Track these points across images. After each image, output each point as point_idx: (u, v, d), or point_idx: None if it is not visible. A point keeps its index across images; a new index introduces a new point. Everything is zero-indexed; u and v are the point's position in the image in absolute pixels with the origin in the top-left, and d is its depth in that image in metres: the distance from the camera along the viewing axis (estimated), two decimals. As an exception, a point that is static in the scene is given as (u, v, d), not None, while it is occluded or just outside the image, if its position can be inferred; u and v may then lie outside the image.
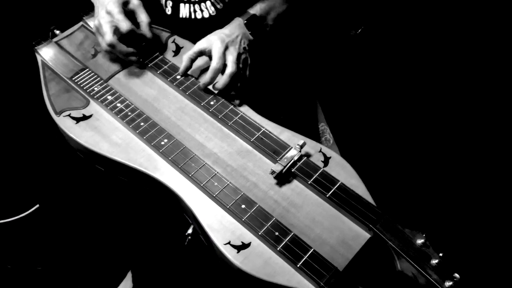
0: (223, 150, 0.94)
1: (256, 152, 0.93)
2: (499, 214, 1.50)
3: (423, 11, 1.73)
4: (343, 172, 0.89)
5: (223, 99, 1.00)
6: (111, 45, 1.01)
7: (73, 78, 1.05)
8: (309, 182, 0.87)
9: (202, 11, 1.12)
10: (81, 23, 1.18)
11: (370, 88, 1.79)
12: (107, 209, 1.16)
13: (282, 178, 0.89)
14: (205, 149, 0.94)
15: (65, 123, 0.97)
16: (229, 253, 0.79)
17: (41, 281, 1.45)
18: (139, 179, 0.94)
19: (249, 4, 1.07)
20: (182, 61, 1.03)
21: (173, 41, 1.13)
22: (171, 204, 0.94)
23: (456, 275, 0.73)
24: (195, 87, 1.02)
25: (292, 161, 0.88)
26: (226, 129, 0.97)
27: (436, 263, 0.74)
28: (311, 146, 0.93)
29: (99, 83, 1.04)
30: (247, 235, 0.82)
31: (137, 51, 1.06)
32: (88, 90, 1.02)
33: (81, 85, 1.03)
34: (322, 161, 0.91)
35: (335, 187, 0.85)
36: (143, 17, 1.04)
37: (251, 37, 1.04)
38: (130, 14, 1.04)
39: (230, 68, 0.98)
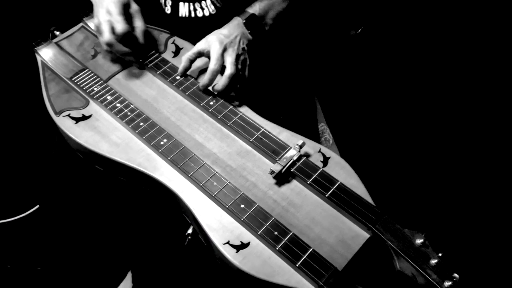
0: (222, 150, 0.94)
1: (256, 152, 0.93)
2: (499, 214, 1.50)
3: (423, 11, 1.73)
4: (343, 172, 0.89)
5: (222, 100, 1.00)
6: (109, 44, 1.01)
7: (73, 79, 1.05)
8: (308, 182, 0.87)
9: (202, 9, 1.12)
10: (81, 24, 1.18)
11: (370, 88, 1.79)
12: (106, 209, 1.16)
13: (281, 178, 0.89)
14: (204, 149, 0.94)
15: (64, 123, 0.98)
16: (228, 253, 0.79)
17: (41, 281, 1.45)
18: (138, 179, 0.94)
19: (248, 3, 1.07)
20: (181, 62, 1.03)
21: (173, 42, 1.13)
22: (170, 204, 0.94)
23: (455, 275, 0.73)
24: (194, 87, 1.02)
25: (292, 161, 0.88)
26: (225, 129, 0.97)
27: (436, 263, 0.74)
28: (311, 146, 0.93)
29: (99, 83, 1.04)
30: (246, 235, 0.82)
31: (135, 52, 1.06)
32: (87, 91, 1.03)
33: (81, 86, 1.04)
34: (321, 161, 0.91)
35: (334, 187, 0.85)
36: (138, 23, 1.06)
37: (250, 37, 1.04)
38: (130, 18, 1.05)
39: (229, 70, 0.98)
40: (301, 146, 0.90)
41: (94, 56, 1.11)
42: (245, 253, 0.80)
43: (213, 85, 1.00)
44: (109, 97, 1.01)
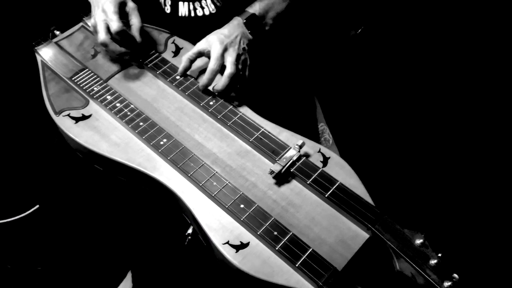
0: (222, 150, 0.94)
1: (255, 152, 0.93)
2: (499, 214, 1.50)
3: (423, 11, 1.73)
4: (342, 172, 0.89)
5: (222, 99, 1.00)
6: (104, 44, 1.01)
7: (73, 78, 1.05)
8: (308, 182, 0.87)
9: (202, 8, 1.12)
10: (81, 23, 1.18)
11: (370, 88, 1.79)
12: (106, 209, 1.16)
13: (281, 178, 0.89)
14: (204, 149, 0.94)
15: (64, 123, 0.98)
16: (228, 253, 0.79)
17: (41, 281, 1.45)
18: (138, 178, 0.94)
19: (249, 2, 1.07)
20: (181, 62, 1.03)
21: (173, 42, 1.13)
22: (170, 204, 0.94)
23: (455, 275, 0.73)
24: (194, 87, 1.02)
25: (291, 161, 0.88)
26: (225, 129, 0.97)
27: (435, 263, 0.74)
28: (310, 146, 0.93)
29: (99, 83, 1.04)
30: (245, 235, 0.82)
31: (132, 52, 1.06)
32: (87, 90, 1.03)
33: (81, 85, 1.04)
34: (321, 161, 0.91)
35: (334, 187, 0.85)
36: (135, 21, 1.05)
37: (250, 37, 1.04)
38: (127, 16, 1.05)
39: (229, 69, 0.98)
40: (300, 146, 0.90)
41: (94, 56, 1.11)
42: (245, 253, 0.80)
43: (213, 85, 1.00)
44: (109, 97, 1.01)
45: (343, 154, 1.06)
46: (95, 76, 1.06)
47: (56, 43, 1.14)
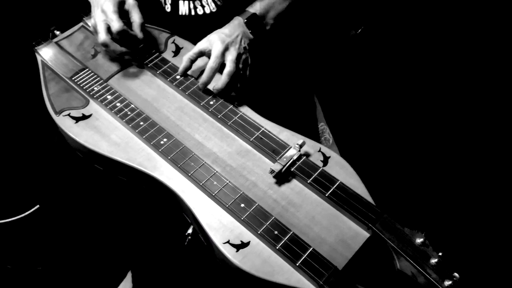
0: (222, 149, 0.94)
1: (256, 152, 0.93)
2: (499, 213, 1.50)
3: (423, 11, 1.73)
4: (343, 172, 0.89)
5: (222, 99, 1.00)
6: (104, 44, 1.01)
7: (73, 78, 1.05)
8: (308, 182, 0.87)
9: (203, 7, 1.12)
10: (81, 23, 1.18)
11: (370, 88, 1.79)
12: (106, 209, 1.16)
13: (282, 178, 0.89)
14: (204, 149, 0.94)
15: (64, 123, 0.98)
16: (228, 252, 0.79)
17: (41, 281, 1.45)
18: (138, 178, 0.94)
19: (249, 1, 1.07)
20: (182, 62, 1.03)
21: (173, 42, 1.13)
22: (170, 203, 0.94)
23: (456, 274, 0.73)
24: (194, 87, 1.02)
25: (292, 160, 0.88)
26: (225, 129, 0.97)
27: (436, 262, 0.74)
28: (311, 146, 0.93)
29: (99, 83, 1.04)
30: (246, 234, 0.82)
31: (133, 51, 1.06)
32: (87, 90, 1.02)
33: (81, 85, 1.04)
34: (321, 160, 0.91)
35: (334, 186, 0.85)
36: (135, 18, 1.04)
37: (251, 36, 1.04)
38: (127, 14, 1.05)
39: (229, 67, 0.98)
40: (301, 146, 0.90)
41: (94, 56, 1.11)
42: (245, 252, 0.79)
43: (213, 85, 1.00)
44: (109, 97, 1.01)
45: (343, 154, 1.06)
46: (95, 76, 1.06)
47: (56, 43, 1.14)
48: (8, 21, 1.50)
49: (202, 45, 1.01)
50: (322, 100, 1.30)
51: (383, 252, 0.80)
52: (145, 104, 1.02)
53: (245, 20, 1.04)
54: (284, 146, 0.91)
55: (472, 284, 0.76)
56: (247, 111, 0.99)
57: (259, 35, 1.06)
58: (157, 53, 1.09)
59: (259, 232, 0.80)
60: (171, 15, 1.15)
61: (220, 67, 1.00)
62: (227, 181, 0.87)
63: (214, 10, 1.12)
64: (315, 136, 1.19)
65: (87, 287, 1.45)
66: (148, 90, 1.05)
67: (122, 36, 1.02)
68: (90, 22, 1.15)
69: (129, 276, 1.40)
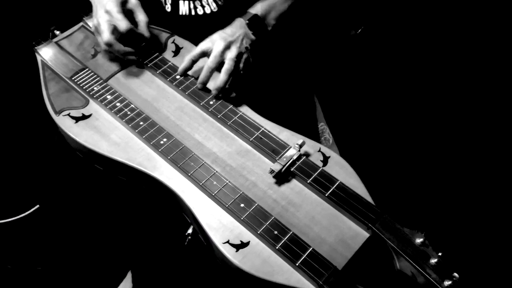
0: (222, 149, 0.94)
1: (255, 152, 0.93)
2: (499, 213, 1.50)
3: (423, 11, 1.73)
4: (342, 172, 0.89)
5: (222, 99, 1.00)
6: (108, 44, 1.01)
7: (73, 78, 1.05)
8: (308, 181, 0.87)
9: (203, 7, 1.12)
10: (81, 23, 1.18)
11: (370, 88, 1.79)
12: (106, 209, 1.16)
13: (281, 177, 0.89)
14: (204, 149, 0.94)
15: (64, 123, 0.98)
16: (228, 252, 0.79)
17: (41, 281, 1.45)
18: (138, 178, 0.94)
19: (251, 1, 1.07)
20: (182, 61, 1.03)
21: (173, 42, 1.13)
22: (170, 203, 0.94)
23: (455, 274, 0.73)
24: (194, 86, 1.02)
25: (291, 160, 0.88)
26: (225, 129, 0.97)
27: (435, 262, 0.74)
28: (310, 146, 0.93)
29: (99, 82, 1.04)
30: (246, 234, 0.82)
31: (136, 51, 1.06)
32: (87, 90, 1.02)
33: (81, 85, 1.04)
34: (321, 160, 0.91)
35: (334, 186, 0.85)
36: (141, 17, 1.04)
37: (253, 37, 1.04)
38: (128, 14, 1.04)
39: (227, 65, 0.98)
40: (301, 146, 0.90)
41: (94, 56, 1.11)
42: (245, 252, 0.79)
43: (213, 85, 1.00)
44: (109, 97, 1.01)
45: (343, 154, 1.06)
46: (95, 75, 1.06)
47: (56, 42, 1.14)
48: (8, 21, 1.50)
49: (204, 45, 1.01)
50: (322, 100, 1.30)
51: (383, 252, 0.80)
52: (145, 104, 1.02)
53: (247, 21, 1.04)
54: (284, 146, 0.91)
55: (472, 284, 0.76)
56: (247, 111, 0.99)
57: (261, 35, 1.06)
58: (157, 53, 1.09)
59: (258, 232, 0.80)
60: (171, 15, 1.15)
61: (218, 65, 1.00)
62: (227, 181, 0.87)
63: (215, 10, 1.12)
64: (315, 136, 1.19)
65: (87, 287, 1.45)
66: (148, 90, 1.05)
67: (128, 36, 1.02)
68: (90, 22, 1.16)
69: (129, 276, 1.40)
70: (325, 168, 0.89)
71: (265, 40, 1.08)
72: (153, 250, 1.23)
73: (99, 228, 1.28)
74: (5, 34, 1.50)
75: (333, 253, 0.79)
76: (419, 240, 0.76)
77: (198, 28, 1.09)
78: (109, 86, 1.03)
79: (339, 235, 0.82)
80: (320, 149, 0.93)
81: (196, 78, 1.04)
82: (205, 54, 1.02)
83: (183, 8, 1.13)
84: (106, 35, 1.00)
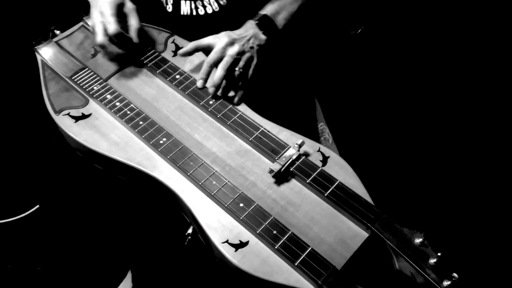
0: (221, 149, 0.94)
1: (255, 151, 0.93)
2: (498, 213, 1.49)
3: (423, 11, 1.73)
4: (342, 172, 0.89)
5: (222, 99, 1.00)
6: (101, 46, 1.01)
7: (73, 78, 1.05)
8: (307, 181, 0.86)
9: (205, 7, 1.12)
10: (81, 23, 1.18)
11: (370, 88, 1.79)
12: (106, 209, 1.16)
13: (281, 177, 0.89)
14: (203, 148, 0.94)
15: (64, 122, 0.98)
16: (227, 252, 0.79)
17: (41, 281, 1.45)
18: (137, 178, 0.94)
19: (254, 1, 1.07)
20: (187, 45, 1.03)
21: (173, 41, 1.13)
22: (170, 203, 0.94)
23: (455, 274, 0.73)
24: (194, 86, 1.02)
25: (291, 160, 0.88)
26: (225, 128, 0.97)
27: (435, 262, 0.74)
28: (310, 146, 0.93)
29: (99, 82, 1.04)
30: (245, 234, 0.82)
31: (130, 52, 1.06)
32: (87, 89, 1.03)
33: (81, 84, 1.04)
34: (320, 160, 0.91)
35: (334, 186, 0.85)
36: (133, 22, 1.05)
37: (263, 37, 1.04)
38: (125, 16, 1.05)
39: (224, 60, 0.98)
40: (300, 145, 0.90)
41: (94, 55, 1.11)
42: (244, 252, 0.79)
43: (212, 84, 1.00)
44: (108, 96, 1.01)
45: (342, 154, 1.06)
46: (95, 75, 1.06)
47: (56, 42, 1.14)
48: (8, 21, 1.50)
49: (211, 39, 1.01)
50: (321, 100, 1.30)
51: (382, 252, 0.80)
52: (145, 103, 1.02)
53: (256, 22, 1.04)
54: (283, 146, 0.91)
55: (471, 284, 0.76)
56: (246, 110, 0.99)
57: (272, 35, 1.05)
58: (157, 53, 1.09)
59: (258, 232, 0.80)
60: (173, 15, 1.15)
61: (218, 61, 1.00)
62: (226, 181, 0.87)
63: (216, 10, 1.12)
64: (315, 136, 1.19)
65: (87, 287, 1.45)
66: (147, 89, 1.05)
67: (118, 39, 1.02)
68: (90, 22, 1.16)
69: (129, 276, 1.40)
70: (325, 168, 0.89)
71: (277, 40, 1.08)
72: (153, 250, 1.23)
73: (99, 228, 1.28)
74: (5, 34, 1.50)
75: (332, 253, 0.79)
76: (418, 240, 0.76)
77: (199, 28, 1.09)
78: (109, 86, 1.03)
79: (338, 235, 0.82)
80: (319, 149, 0.93)
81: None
82: (209, 47, 1.02)
83: (185, 8, 1.13)
84: (99, 36, 1.01)
